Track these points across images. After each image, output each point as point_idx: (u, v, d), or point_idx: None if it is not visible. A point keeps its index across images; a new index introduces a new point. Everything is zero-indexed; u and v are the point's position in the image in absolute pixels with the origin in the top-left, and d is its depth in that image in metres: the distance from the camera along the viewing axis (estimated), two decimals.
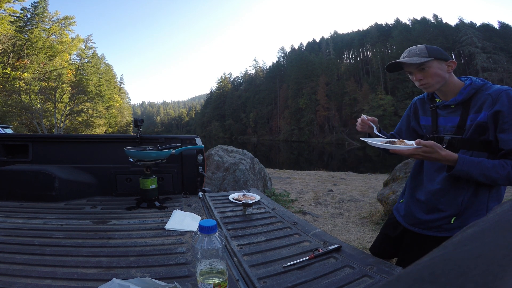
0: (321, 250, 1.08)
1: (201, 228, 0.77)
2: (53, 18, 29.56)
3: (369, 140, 1.14)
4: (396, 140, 1.12)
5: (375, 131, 1.25)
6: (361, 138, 1.21)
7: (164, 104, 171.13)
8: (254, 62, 73.72)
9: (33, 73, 25.79)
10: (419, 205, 1.20)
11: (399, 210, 1.33)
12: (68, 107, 26.60)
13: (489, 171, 0.96)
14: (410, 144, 1.03)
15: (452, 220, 1.09)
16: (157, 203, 1.75)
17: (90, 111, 29.36)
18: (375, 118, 1.30)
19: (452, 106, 1.12)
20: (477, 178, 0.99)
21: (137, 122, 2.09)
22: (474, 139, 1.05)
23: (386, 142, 1.09)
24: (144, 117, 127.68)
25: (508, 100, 0.98)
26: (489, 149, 1.03)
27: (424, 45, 1.11)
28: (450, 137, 1.10)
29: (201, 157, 2.15)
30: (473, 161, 0.99)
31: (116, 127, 40.11)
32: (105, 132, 33.97)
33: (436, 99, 1.19)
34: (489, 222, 0.28)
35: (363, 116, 1.30)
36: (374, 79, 45.64)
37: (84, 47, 34.50)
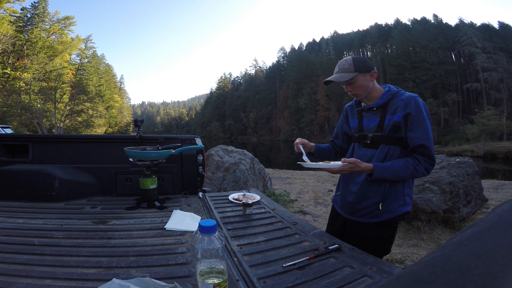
0: (321, 250, 1.08)
1: (201, 228, 0.77)
2: (53, 18, 29.59)
3: (304, 165, 1.35)
4: (323, 161, 1.36)
5: (304, 157, 1.42)
6: (298, 162, 1.41)
7: (164, 104, 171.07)
8: (254, 62, 73.78)
9: (33, 73, 25.79)
10: (353, 195, 1.38)
11: (337, 202, 1.52)
12: (68, 107, 26.60)
13: (397, 173, 1.21)
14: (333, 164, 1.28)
15: (380, 206, 1.29)
16: (157, 203, 1.75)
17: (90, 111, 29.36)
18: (305, 140, 1.51)
19: (375, 109, 1.35)
20: (390, 179, 1.24)
21: (137, 122, 2.09)
22: (390, 136, 1.27)
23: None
24: (144, 117, 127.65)
25: (415, 105, 1.22)
26: (402, 144, 1.27)
27: (352, 58, 1.32)
28: (372, 134, 1.33)
29: (201, 157, 2.15)
30: (384, 167, 1.22)
31: (116, 127, 40.11)
32: (105, 132, 33.96)
33: (362, 103, 1.42)
34: (489, 222, 0.28)
35: (297, 141, 1.50)
36: None
37: (84, 47, 34.52)
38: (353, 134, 1.46)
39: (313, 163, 1.33)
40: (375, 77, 1.33)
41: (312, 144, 1.55)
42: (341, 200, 1.47)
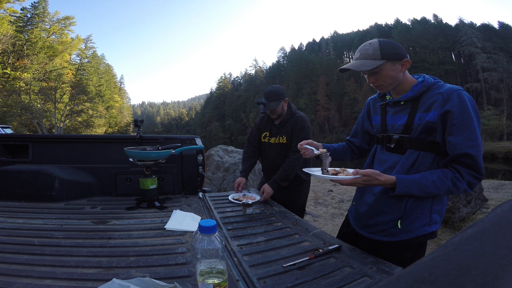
0: (321, 250, 1.08)
1: (201, 228, 0.77)
2: (53, 18, 29.57)
3: (312, 173, 1.11)
4: (338, 169, 1.11)
5: (315, 152, 1.17)
6: (303, 169, 1.17)
7: (164, 104, 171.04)
8: (254, 62, 73.81)
9: (33, 73, 25.78)
10: (366, 206, 1.17)
11: (351, 212, 1.32)
12: (68, 107, 26.60)
13: (428, 188, 0.96)
14: (351, 173, 1.02)
15: (398, 224, 1.07)
16: (157, 203, 1.75)
17: (90, 111, 29.36)
18: (314, 142, 1.24)
19: (402, 103, 1.08)
20: (419, 194, 0.98)
21: (137, 122, 2.09)
22: (421, 139, 1.02)
23: (331, 173, 1.08)
24: (144, 117, 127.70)
25: (459, 100, 0.94)
26: (436, 150, 1.01)
27: (378, 41, 1.05)
28: (398, 136, 1.07)
29: (201, 157, 2.15)
30: (412, 181, 0.97)
31: (116, 127, 40.07)
32: (105, 132, 33.96)
33: (387, 96, 1.16)
34: (489, 222, 0.28)
35: (299, 145, 1.24)
36: None
37: (84, 47, 34.50)
38: (376, 134, 1.21)
39: (319, 172, 1.10)
40: (407, 67, 1.05)
41: (317, 143, 1.26)
42: (355, 211, 1.26)
